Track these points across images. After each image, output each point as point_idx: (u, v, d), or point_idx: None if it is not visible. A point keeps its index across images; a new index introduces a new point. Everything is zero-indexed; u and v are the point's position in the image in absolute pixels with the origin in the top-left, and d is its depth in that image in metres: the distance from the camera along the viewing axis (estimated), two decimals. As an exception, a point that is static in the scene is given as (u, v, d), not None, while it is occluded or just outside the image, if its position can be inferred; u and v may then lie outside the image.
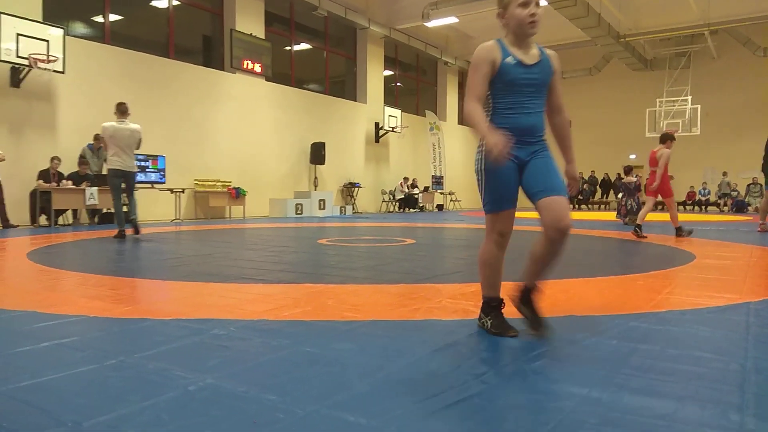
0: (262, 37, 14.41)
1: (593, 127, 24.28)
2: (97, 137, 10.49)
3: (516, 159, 2.26)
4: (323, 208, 15.21)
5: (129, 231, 7.42)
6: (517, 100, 2.26)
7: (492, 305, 2.42)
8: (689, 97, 19.83)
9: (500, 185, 2.30)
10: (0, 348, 2.18)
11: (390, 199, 18.88)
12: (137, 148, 7.51)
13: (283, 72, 15.63)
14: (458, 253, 5.93)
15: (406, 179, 18.92)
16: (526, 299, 2.43)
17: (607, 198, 23.09)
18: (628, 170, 11.27)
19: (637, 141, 22.62)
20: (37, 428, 1.41)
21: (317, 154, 15.67)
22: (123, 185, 7.46)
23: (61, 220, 10.26)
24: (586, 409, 1.55)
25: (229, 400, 1.61)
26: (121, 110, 7.34)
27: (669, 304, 3.07)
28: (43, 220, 9.79)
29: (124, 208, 7.72)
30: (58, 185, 9.72)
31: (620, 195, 11.37)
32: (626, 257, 5.62)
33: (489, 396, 1.66)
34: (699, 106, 19.61)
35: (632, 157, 23.12)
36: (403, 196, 18.71)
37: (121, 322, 2.60)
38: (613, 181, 22.28)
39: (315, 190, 16.02)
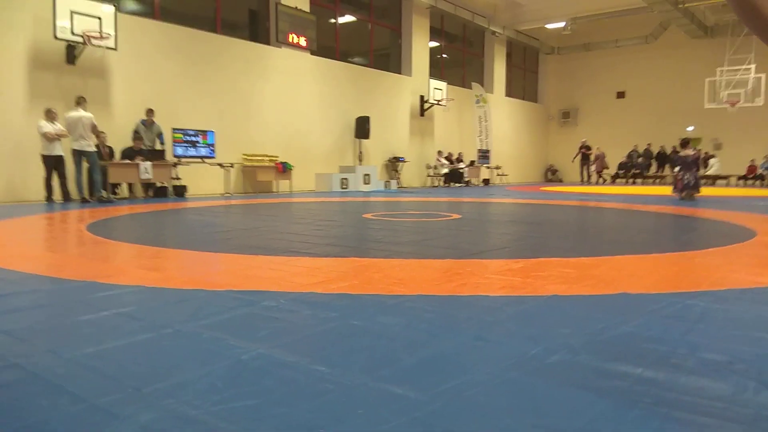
0: (307, 10, 14.37)
1: (649, 97, 23.31)
2: (148, 112, 10.78)
3: None
4: (368, 183, 15.24)
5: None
6: None
7: None
8: (752, 66, 18.68)
9: None
10: (64, 316, 2.29)
11: (434, 173, 18.72)
12: (93, 132, 9.24)
13: (328, 45, 15.57)
14: (505, 228, 5.85)
15: (440, 153, 18.62)
16: None
17: (662, 172, 22.24)
18: (685, 143, 10.79)
19: (695, 112, 21.59)
20: (101, 393, 1.48)
21: (362, 128, 15.65)
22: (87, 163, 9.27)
23: (117, 193, 10.63)
24: (640, 389, 1.51)
25: (280, 370, 1.65)
26: (77, 102, 9.20)
27: (728, 282, 2.95)
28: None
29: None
30: (110, 159, 10.07)
31: (677, 169, 10.93)
32: (682, 234, 5.43)
33: (539, 374, 1.64)
34: (762, 76, 18.47)
35: (690, 129, 22.13)
36: (447, 171, 18.50)
37: (177, 293, 2.69)
38: (669, 154, 21.42)
39: (360, 164, 16.04)
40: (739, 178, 20.67)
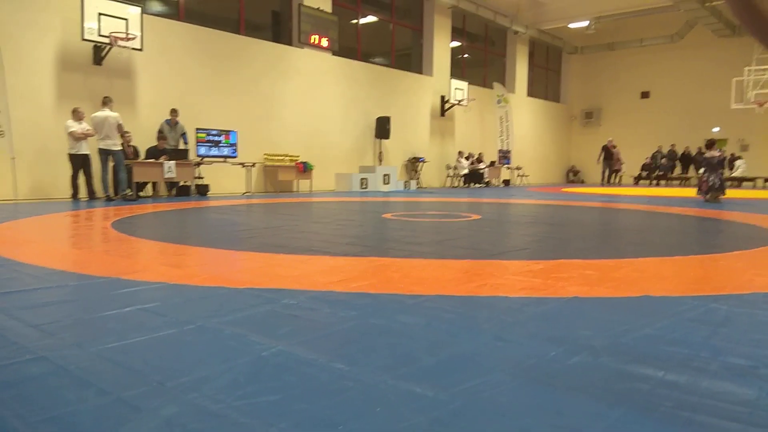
0: (329, 10, 14.43)
1: (674, 97, 22.95)
2: (173, 112, 10.93)
3: None
4: (388, 183, 15.25)
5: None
6: None
7: None
8: (782, 65, 18.31)
9: None
10: (89, 311, 2.34)
11: (454, 173, 18.65)
12: (119, 132, 9.43)
13: (349, 46, 15.62)
14: (525, 229, 5.82)
15: (461, 153, 18.53)
16: None
17: (687, 173, 21.87)
18: (710, 144, 10.61)
19: (721, 113, 21.20)
20: (125, 387, 1.52)
21: (382, 128, 15.66)
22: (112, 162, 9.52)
23: (141, 193, 10.80)
24: (662, 392, 1.49)
25: (300, 367, 1.66)
26: (103, 102, 9.39)
27: (753, 286, 2.89)
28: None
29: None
30: (135, 158, 10.22)
31: (702, 170, 10.75)
32: (707, 236, 5.34)
33: (559, 375, 1.63)
34: (793, 75, 18.09)
35: (715, 130, 21.73)
36: (467, 171, 18.41)
37: (199, 290, 2.73)
38: (693, 155, 21.05)
39: (380, 164, 16.06)
40: (766, 180, 20.24)
